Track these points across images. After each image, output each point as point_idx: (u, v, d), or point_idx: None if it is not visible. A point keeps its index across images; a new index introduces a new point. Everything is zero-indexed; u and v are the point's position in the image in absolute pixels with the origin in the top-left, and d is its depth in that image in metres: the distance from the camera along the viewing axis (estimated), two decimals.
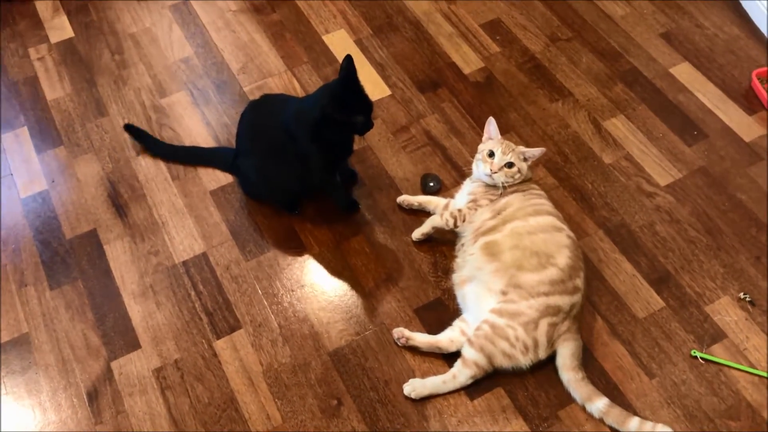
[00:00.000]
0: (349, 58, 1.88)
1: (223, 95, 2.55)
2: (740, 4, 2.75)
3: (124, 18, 2.79)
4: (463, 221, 2.03)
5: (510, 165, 2.00)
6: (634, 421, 1.76)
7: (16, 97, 2.55)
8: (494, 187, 2.03)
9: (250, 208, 2.25)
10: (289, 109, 2.02)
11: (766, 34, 2.64)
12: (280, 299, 2.06)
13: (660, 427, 1.75)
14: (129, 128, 2.39)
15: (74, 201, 2.28)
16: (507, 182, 2.01)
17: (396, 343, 1.95)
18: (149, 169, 2.35)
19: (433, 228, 2.12)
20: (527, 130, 2.41)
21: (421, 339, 1.93)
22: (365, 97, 1.91)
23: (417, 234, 2.14)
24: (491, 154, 2.02)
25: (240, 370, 1.94)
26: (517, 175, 2.01)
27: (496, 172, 1.99)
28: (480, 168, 2.04)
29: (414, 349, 1.94)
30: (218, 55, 2.67)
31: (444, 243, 2.13)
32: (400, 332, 1.94)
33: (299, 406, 1.87)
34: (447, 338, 1.92)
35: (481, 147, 2.08)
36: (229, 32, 2.74)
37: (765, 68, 2.50)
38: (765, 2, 2.62)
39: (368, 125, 1.93)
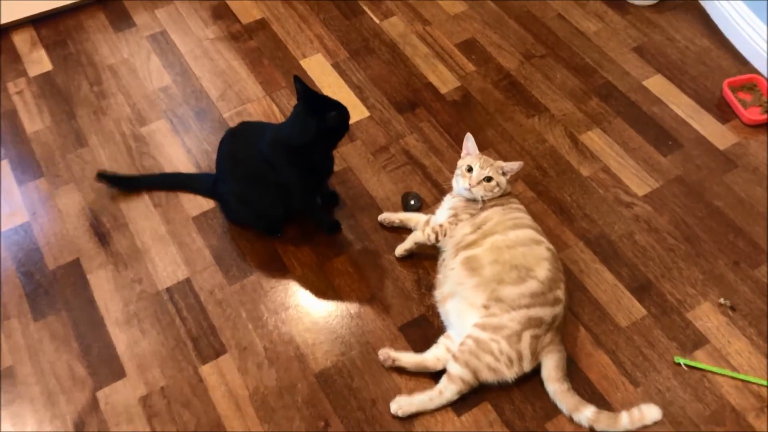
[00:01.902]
0: (296, 78, 1.95)
1: (203, 122, 2.56)
2: (709, 17, 2.80)
3: (102, 49, 2.81)
4: (445, 235, 2.04)
5: (489, 179, 2.02)
6: (624, 418, 1.79)
7: None
8: (474, 201, 2.05)
9: (232, 232, 2.25)
10: (265, 137, 2.03)
11: (735, 45, 2.69)
12: (264, 322, 2.06)
13: (645, 406, 1.82)
14: (102, 176, 2.35)
15: (56, 232, 2.28)
16: (486, 196, 2.03)
17: (382, 364, 1.95)
18: (131, 197, 2.35)
19: (416, 244, 2.13)
20: (505, 146, 2.44)
21: (408, 359, 1.93)
22: (329, 98, 2.00)
23: (399, 250, 2.16)
24: (470, 169, 2.04)
25: (226, 395, 1.93)
26: (496, 189, 2.04)
27: (474, 186, 2.02)
28: (459, 183, 2.06)
29: (400, 369, 1.94)
30: (197, 83, 2.69)
31: (426, 258, 2.15)
32: (386, 354, 1.94)
33: (286, 428, 1.87)
34: (433, 356, 1.92)
35: (460, 163, 2.10)
36: (207, 60, 2.76)
37: (736, 78, 2.55)
38: (734, 14, 2.68)
39: (347, 113, 2.00)
